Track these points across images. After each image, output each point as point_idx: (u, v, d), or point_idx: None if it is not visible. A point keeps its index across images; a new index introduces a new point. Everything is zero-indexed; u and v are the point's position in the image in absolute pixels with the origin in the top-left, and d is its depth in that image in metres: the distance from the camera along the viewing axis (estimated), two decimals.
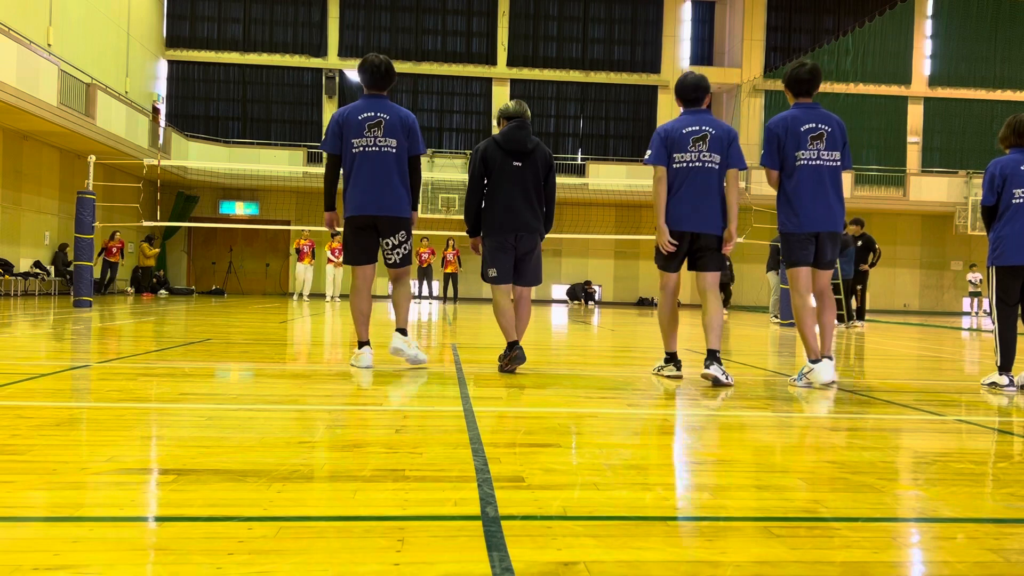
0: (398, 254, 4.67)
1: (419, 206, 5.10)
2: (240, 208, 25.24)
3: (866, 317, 14.25)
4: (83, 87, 16.94)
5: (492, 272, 4.79)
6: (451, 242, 19.66)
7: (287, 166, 23.36)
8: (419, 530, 1.65)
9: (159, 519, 1.71)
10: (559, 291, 25.92)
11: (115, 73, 20.86)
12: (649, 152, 4.54)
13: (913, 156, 27.41)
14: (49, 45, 17.19)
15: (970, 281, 24.19)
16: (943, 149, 27.49)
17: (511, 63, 26.53)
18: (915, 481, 2.28)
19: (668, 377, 4.65)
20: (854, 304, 12.60)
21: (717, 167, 4.47)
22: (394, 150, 4.50)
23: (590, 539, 1.63)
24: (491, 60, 26.49)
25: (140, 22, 22.97)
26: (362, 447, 2.48)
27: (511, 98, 26.62)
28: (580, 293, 24.88)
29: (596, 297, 25.50)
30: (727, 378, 4.31)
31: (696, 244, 4.51)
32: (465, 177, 21.97)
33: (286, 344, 6.68)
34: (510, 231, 4.74)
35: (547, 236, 5.00)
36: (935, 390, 4.53)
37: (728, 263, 12.78)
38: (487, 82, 26.59)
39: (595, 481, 2.12)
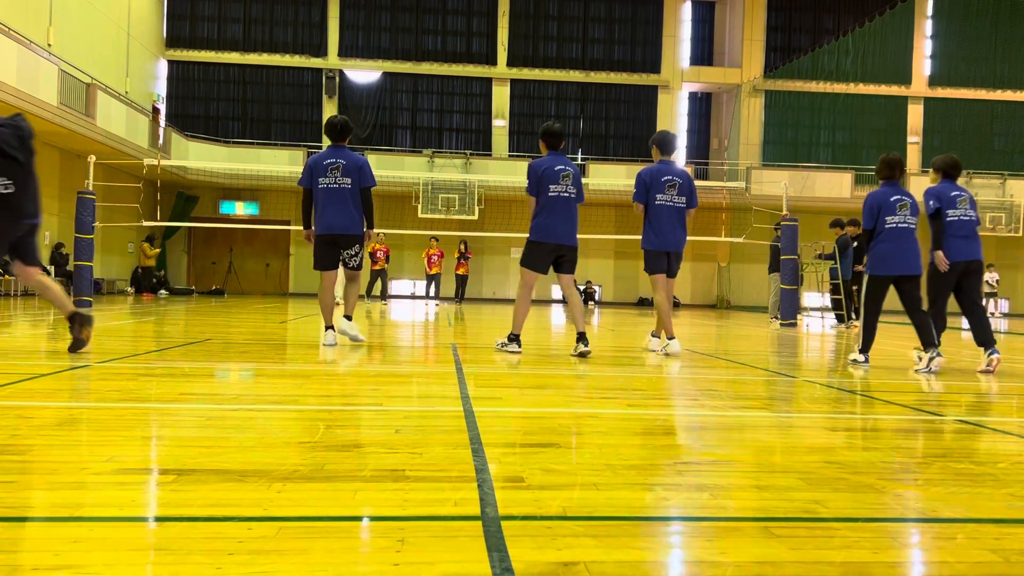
0: (354, 261, 6.20)
1: (374, 223, 6.38)
2: (240, 208, 25.24)
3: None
4: (83, 87, 16.95)
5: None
6: (465, 244, 18.83)
7: (287, 166, 23.35)
8: (419, 530, 1.65)
9: (159, 519, 1.71)
10: (558, 291, 25.92)
11: (115, 73, 20.87)
12: (528, 185, 6.02)
13: (913, 156, 27.41)
14: (49, 45, 17.20)
15: (986, 281, 23.71)
16: (943, 149, 27.45)
17: (511, 63, 26.53)
18: (915, 481, 2.28)
19: (511, 352, 5.89)
20: (854, 303, 12.58)
21: (575, 197, 6.04)
22: (349, 186, 6.00)
23: (590, 539, 1.63)
24: (491, 60, 26.49)
25: (140, 22, 22.98)
26: (362, 447, 2.48)
27: (512, 98, 26.68)
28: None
29: (596, 297, 25.52)
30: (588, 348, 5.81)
31: (561, 252, 6.03)
32: (464, 177, 22.11)
33: (286, 344, 6.68)
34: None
35: None
36: (935, 390, 4.53)
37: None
38: (487, 82, 26.60)
39: (595, 481, 2.12)
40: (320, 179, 5.99)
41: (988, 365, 5.45)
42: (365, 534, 1.65)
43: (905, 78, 27.38)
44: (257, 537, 1.58)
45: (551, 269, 6.10)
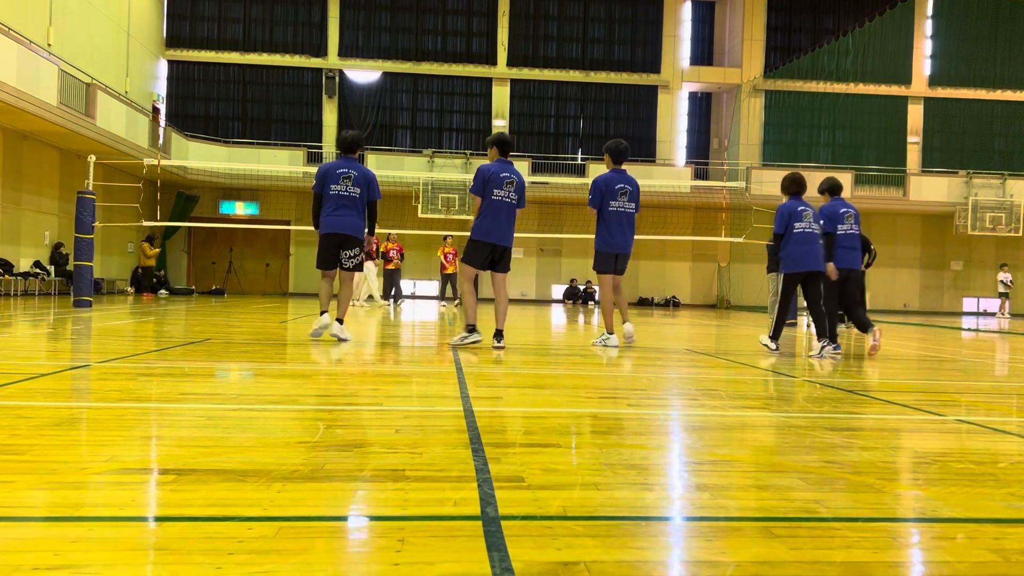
0: (352, 262, 6.77)
1: (376, 228, 7.11)
2: (240, 208, 25.24)
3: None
4: (83, 87, 16.94)
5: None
6: None
7: (287, 166, 23.36)
8: (419, 530, 1.65)
9: (159, 519, 1.71)
10: (558, 291, 25.92)
11: (115, 73, 20.87)
12: (473, 185, 6.53)
13: (913, 156, 27.41)
14: (49, 45, 17.19)
15: (1001, 281, 23.21)
16: (943, 149, 27.49)
17: (511, 63, 26.53)
18: (915, 481, 2.28)
19: (470, 344, 6.46)
20: None
21: (515, 203, 6.60)
22: (357, 195, 6.69)
23: (590, 539, 1.63)
24: (491, 60, 26.49)
25: (140, 22, 22.98)
26: (362, 447, 2.48)
27: (512, 98, 26.67)
28: (578, 293, 24.91)
29: (596, 297, 25.51)
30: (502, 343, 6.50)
31: (496, 252, 6.56)
32: (464, 177, 22.06)
33: (286, 344, 6.68)
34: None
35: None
36: (935, 390, 4.53)
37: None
38: (487, 82, 26.59)
39: (595, 481, 2.12)
40: (332, 185, 6.63)
41: (820, 352, 6.58)
42: (365, 534, 1.65)
43: (905, 78, 27.37)
44: (257, 537, 1.58)
45: (488, 270, 6.70)
